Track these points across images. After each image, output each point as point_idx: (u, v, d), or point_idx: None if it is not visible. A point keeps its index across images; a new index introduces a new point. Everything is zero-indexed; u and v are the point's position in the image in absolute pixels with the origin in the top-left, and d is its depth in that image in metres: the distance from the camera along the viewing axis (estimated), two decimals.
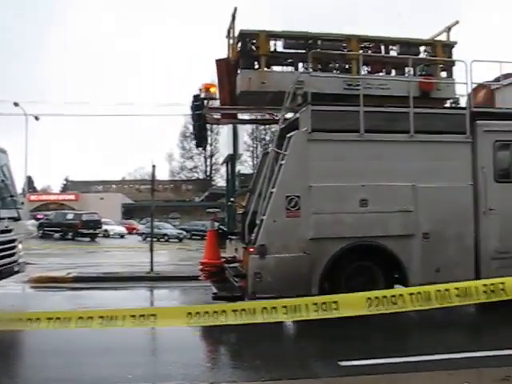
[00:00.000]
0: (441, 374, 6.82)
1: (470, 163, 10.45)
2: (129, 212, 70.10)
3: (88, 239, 41.81)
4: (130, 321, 5.43)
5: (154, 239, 19.13)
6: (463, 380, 6.58)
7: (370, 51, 11.92)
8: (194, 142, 14.05)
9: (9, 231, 10.40)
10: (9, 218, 10.41)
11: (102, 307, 8.00)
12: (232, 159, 21.34)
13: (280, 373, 6.88)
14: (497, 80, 11.66)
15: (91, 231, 42.65)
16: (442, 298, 5.97)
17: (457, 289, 6.05)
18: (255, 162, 55.62)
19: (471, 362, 7.27)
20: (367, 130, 9.87)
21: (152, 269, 17.05)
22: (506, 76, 11.65)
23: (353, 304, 5.90)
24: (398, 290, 5.93)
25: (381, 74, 11.81)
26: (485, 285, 6.00)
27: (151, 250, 17.64)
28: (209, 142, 68.17)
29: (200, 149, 57.08)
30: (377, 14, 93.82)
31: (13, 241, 10.63)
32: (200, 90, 11.46)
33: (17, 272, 11.02)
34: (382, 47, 12.14)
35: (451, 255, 10.14)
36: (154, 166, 17.94)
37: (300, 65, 11.71)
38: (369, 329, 8.17)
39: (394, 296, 5.85)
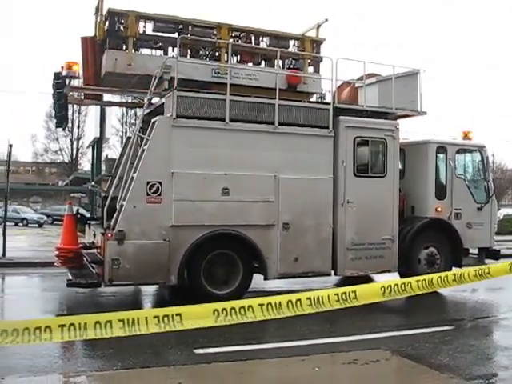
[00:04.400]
0: (293, 360, 6.99)
1: (331, 157, 10.81)
2: None
3: None
4: (154, 322, 5.04)
5: (12, 223, 18.12)
6: (314, 365, 6.82)
7: (240, 41, 11.94)
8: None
9: None
10: None
11: None
12: (98, 143, 20.76)
13: (133, 361, 6.73)
14: (360, 79, 12.08)
15: None
16: (442, 282, 6.27)
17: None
18: None
19: (326, 347, 7.57)
20: (232, 119, 9.91)
21: (4, 254, 16.12)
22: (369, 75, 12.11)
23: (369, 293, 6.00)
24: (406, 278, 6.15)
25: (249, 64, 11.86)
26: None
27: (3, 235, 16.63)
28: (76, 124, 66.30)
29: (64, 130, 55.11)
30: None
31: None
32: (62, 67, 10.90)
33: None
34: (253, 38, 12.19)
35: (309, 245, 10.45)
36: (10, 146, 16.94)
37: (170, 49, 11.48)
38: None
39: (403, 283, 6.07)
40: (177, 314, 5.08)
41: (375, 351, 7.35)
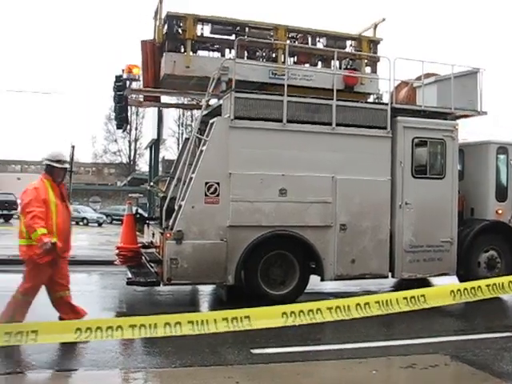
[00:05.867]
0: (351, 363, 6.93)
1: (389, 158, 10.68)
2: None
3: (1, 220, 40.17)
4: (222, 324, 5.14)
5: (73, 222, 18.46)
6: (372, 368, 6.73)
7: (297, 42, 11.95)
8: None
9: None
10: None
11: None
12: (156, 144, 21.08)
13: (191, 359, 6.80)
14: (419, 78, 11.91)
15: (5, 212, 40.76)
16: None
17: None
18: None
19: (383, 350, 7.45)
20: (290, 120, 9.91)
21: None
22: (428, 75, 11.93)
23: (439, 296, 6.03)
24: (476, 282, 6.16)
25: (306, 65, 11.85)
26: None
27: None
28: (134, 125, 67.60)
29: (124, 132, 56.34)
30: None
31: None
32: (123, 70, 11.18)
33: None
34: (309, 39, 12.19)
35: (367, 247, 10.36)
36: (73, 147, 17.21)
37: (227, 51, 11.60)
38: None
39: (473, 288, 6.14)
40: (245, 317, 5.08)
41: (434, 356, 7.20)
